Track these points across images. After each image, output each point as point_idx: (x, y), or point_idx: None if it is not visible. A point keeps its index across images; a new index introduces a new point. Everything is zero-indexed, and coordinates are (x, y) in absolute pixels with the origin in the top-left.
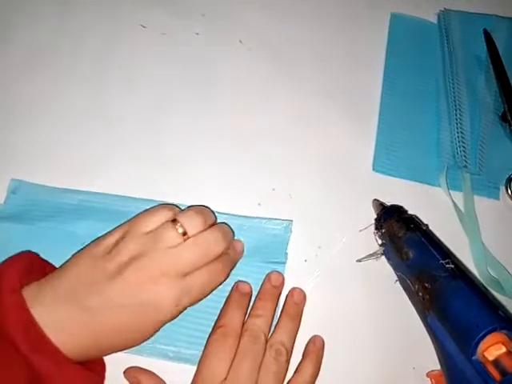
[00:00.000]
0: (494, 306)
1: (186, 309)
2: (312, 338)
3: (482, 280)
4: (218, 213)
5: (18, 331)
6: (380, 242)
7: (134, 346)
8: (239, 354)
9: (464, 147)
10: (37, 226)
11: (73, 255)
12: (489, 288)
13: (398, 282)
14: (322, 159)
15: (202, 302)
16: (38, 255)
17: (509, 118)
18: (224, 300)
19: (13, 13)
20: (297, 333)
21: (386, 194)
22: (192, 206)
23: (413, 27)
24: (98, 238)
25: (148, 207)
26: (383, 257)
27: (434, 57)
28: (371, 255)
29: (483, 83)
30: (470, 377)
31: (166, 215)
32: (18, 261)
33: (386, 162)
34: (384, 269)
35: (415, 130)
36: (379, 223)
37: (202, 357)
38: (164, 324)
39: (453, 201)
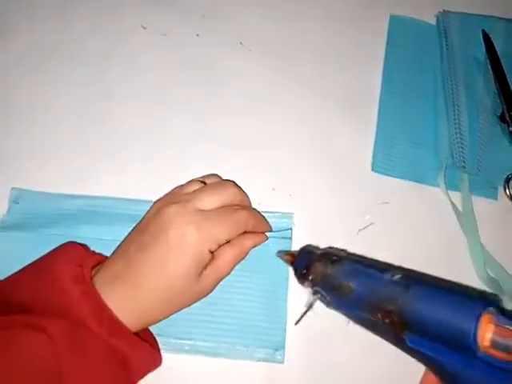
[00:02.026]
0: (464, 292)
1: (215, 249)
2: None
3: (480, 280)
4: None
5: (92, 318)
6: (312, 291)
7: (182, 308)
8: None
9: (462, 148)
10: (41, 233)
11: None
12: (488, 288)
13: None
14: (321, 159)
15: (215, 293)
16: (78, 243)
17: (507, 118)
18: (238, 294)
19: (13, 14)
20: None
21: (384, 194)
22: None
23: (412, 29)
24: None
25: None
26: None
27: (433, 58)
28: (306, 311)
29: (482, 84)
30: (479, 373)
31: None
32: (68, 251)
33: (384, 162)
34: None
35: (414, 130)
36: (301, 273)
37: None
38: (200, 264)
39: (451, 201)
